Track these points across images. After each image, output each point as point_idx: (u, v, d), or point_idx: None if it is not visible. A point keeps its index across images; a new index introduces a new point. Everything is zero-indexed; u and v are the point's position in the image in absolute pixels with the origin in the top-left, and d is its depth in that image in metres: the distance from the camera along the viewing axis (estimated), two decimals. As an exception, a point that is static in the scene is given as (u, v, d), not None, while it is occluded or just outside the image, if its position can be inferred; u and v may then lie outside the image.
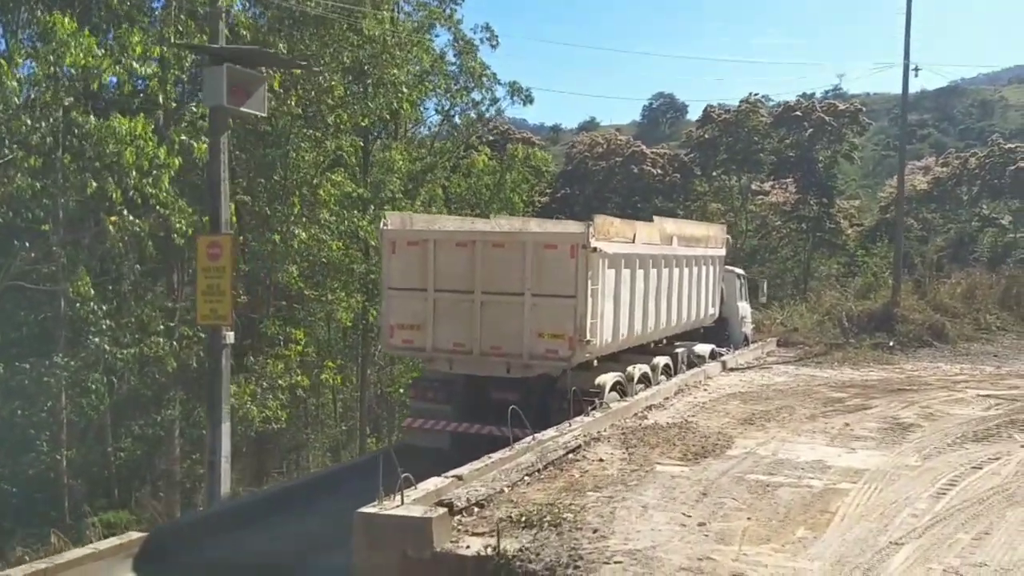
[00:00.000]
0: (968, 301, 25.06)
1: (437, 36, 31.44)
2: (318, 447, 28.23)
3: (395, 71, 25.88)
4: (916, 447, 9.93)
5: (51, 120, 16.77)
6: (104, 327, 18.67)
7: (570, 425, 10.11)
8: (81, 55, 15.36)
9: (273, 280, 24.24)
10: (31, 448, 19.88)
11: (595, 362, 12.08)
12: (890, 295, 23.32)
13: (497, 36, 32.11)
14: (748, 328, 20.97)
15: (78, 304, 18.65)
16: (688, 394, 13.45)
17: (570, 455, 8.97)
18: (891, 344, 20.80)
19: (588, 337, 11.32)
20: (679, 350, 15.92)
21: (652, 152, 46.73)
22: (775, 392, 14.05)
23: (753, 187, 47.18)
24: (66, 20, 15.32)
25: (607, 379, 12.23)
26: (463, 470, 7.72)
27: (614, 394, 12.48)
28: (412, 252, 11.86)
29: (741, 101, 45.52)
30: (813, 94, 54.52)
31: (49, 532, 18.34)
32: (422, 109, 33.02)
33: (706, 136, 45.92)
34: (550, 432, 9.79)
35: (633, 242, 12.93)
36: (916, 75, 23.31)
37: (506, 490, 7.56)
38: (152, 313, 20.83)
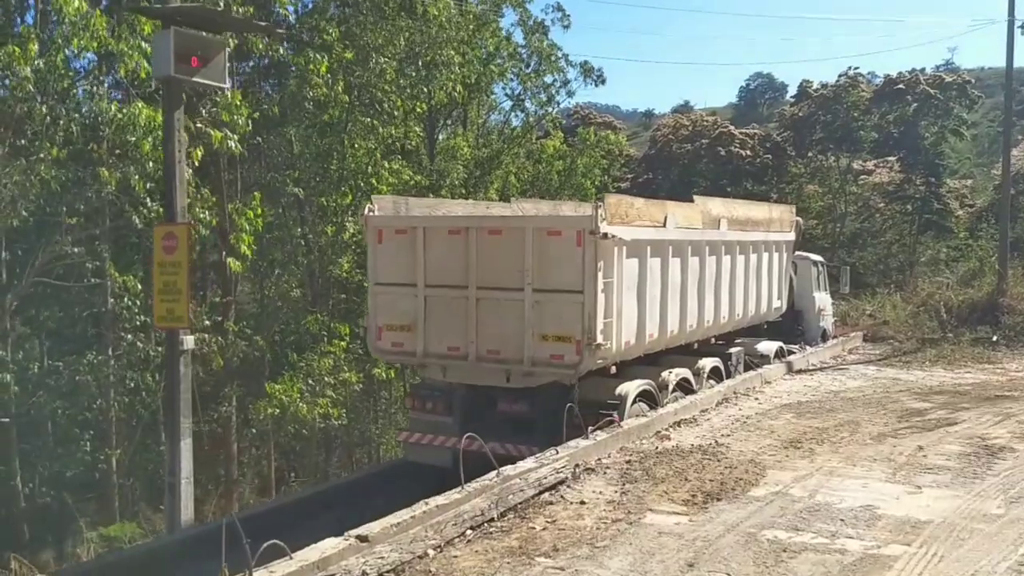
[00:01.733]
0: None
1: (503, 17, 29.68)
2: (388, 441, 26.90)
3: (451, 51, 24.17)
4: (1002, 484, 7.53)
5: (70, 107, 15.80)
6: (138, 323, 17.73)
7: (556, 452, 8.12)
8: (88, 38, 14.23)
9: (324, 272, 22.97)
10: (76, 448, 19.13)
11: (613, 368, 10.03)
12: (996, 283, 20.16)
13: (569, 16, 29.97)
14: (828, 322, 18.34)
15: (112, 300, 17.75)
16: (733, 404, 11.24)
17: (544, 495, 7.01)
18: (994, 339, 17.82)
19: (599, 340, 9.30)
20: (733, 350, 13.64)
21: (741, 133, 43.49)
22: (842, 401, 11.66)
23: (855, 166, 43.40)
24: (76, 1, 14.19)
25: (630, 388, 10.17)
26: (373, 526, 5.85)
27: (642, 405, 10.42)
28: (400, 242, 10.07)
29: (840, 75, 41.86)
30: (923, 69, 49.96)
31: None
32: (491, 95, 31.49)
33: (801, 114, 42.41)
34: (527, 463, 7.84)
35: (664, 226, 10.79)
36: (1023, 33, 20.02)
37: (431, 554, 5.67)
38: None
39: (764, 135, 44.24)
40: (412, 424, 10.97)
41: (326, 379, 20.51)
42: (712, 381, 12.48)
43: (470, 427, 10.47)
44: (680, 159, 43.86)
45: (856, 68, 41.97)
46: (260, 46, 18.58)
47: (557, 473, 7.41)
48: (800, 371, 14.55)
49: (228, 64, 21.40)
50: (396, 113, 24.83)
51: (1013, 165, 47.39)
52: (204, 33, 9.84)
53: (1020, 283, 20.56)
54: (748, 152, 41.68)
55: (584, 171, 30.00)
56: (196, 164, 15.39)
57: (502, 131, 31.80)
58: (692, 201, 12.15)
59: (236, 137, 15.60)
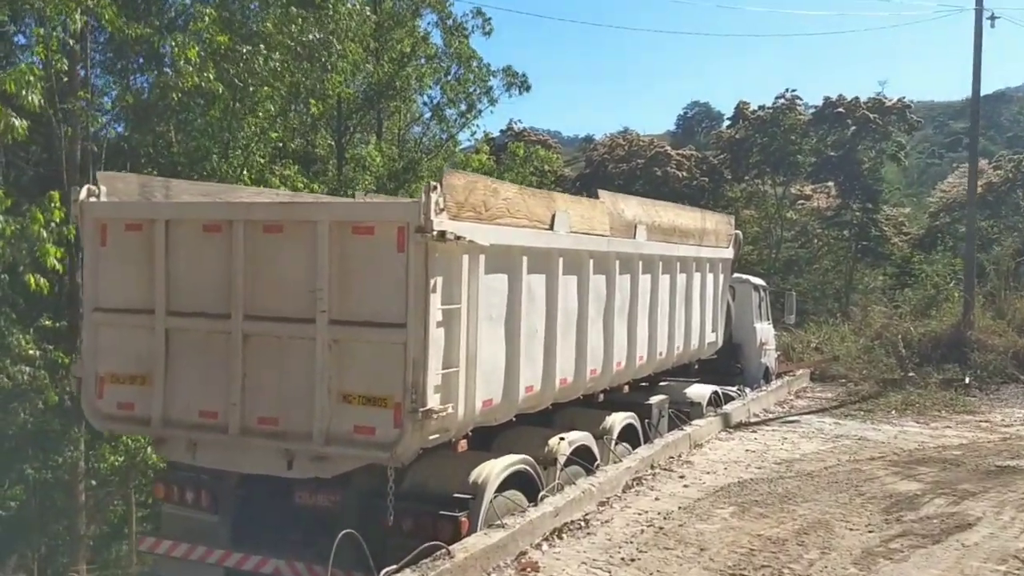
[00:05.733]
0: (1053, 320, 18.53)
1: (421, 17, 26.09)
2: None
3: (353, 46, 20.41)
4: None
5: None
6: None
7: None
8: None
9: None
10: None
11: (463, 442, 6.24)
12: (960, 314, 16.88)
13: (490, 21, 26.39)
14: (771, 358, 14.82)
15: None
16: (649, 489, 7.52)
17: None
18: (966, 380, 14.47)
19: (431, 404, 5.51)
20: (654, 400, 9.96)
21: (677, 154, 40.38)
22: (800, 480, 8.02)
23: (793, 191, 40.71)
24: None
25: (491, 472, 6.37)
26: None
27: (514, 496, 6.63)
28: (133, 243, 6.15)
29: (777, 97, 39.08)
30: (856, 98, 47.62)
31: None
32: (412, 102, 27.85)
33: (738, 136, 39.52)
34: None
35: (551, 228, 7.09)
36: (993, 25, 16.97)
37: None
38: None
39: (701, 157, 41.29)
40: (164, 524, 6.99)
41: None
42: (625, 445, 8.79)
43: (250, 531, 6.63)
44: (616, 179, 40.61)
45: (794, 91, 39.08)
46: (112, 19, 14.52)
47: None
48: (740, 425, 10.95)
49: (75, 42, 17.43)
50: (292, 114, 21.10)
51: (947, 193, 45.65)
52: None
53: (984, 314, 17.38)
54: (684, 174, 38.68)
55: (512, 190, 26.36)
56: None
57: (420, 141, 28.16)
58: (596, 198, 8.50)
59: (26, 124, 11.43)
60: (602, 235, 8.10)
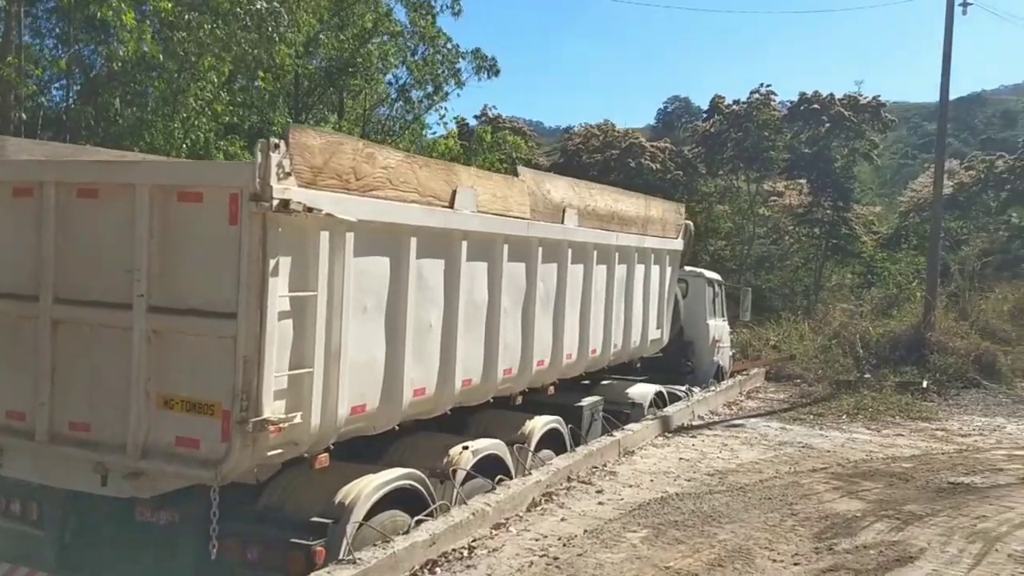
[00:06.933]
0: (1019, 322, 17.72)
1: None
2: None
3: (306, 16, 19.23)
4: None
5: None
6: None
7: None
8: None
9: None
10: None
11: (322, 456, 5.18)
12: (921, 314, 15.97)
13: (459, 1, 25.13)
14: (724, 356, 13.86)
15: None
16: (558, 507, 6.51)
17: None
18: (924, 385, 13.57)
19: (266, 413, 4.45)
20: (587, 402, 8.97)
21: (652, 146, 39.26)
22: (729, 497, 7.04)
23: (766, 187, 39.89)
24: None
25: (362, 491, 5.30)
26: None
27: (399, 517, 5.58)
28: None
29: (751, 92, 38.10)
30: (831, 95, 46.83)
31: None
32: (378, 82, 26.63)
33: (712, 129, 38.53)
34: None
35: (451, 206, 6.04)
36: (965, 12, 15.98)
37: None
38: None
39: (675, 150, 40.29)
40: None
41: None
42: (549, 453, 7.78)
43: (79, 551, 5.56)
44: (590, 169, 39.54)
45: (768, 86, 38.09)
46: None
47: None
48: (681, 429, 9.98)
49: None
50: (239, 87, 19.93)
51: (918, 192, 44.97)
52: None
53: (946, 315, 16.50)
54: (658, 166, 37.65)
55: (477, 175, 25.24)
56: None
57: (383, 123, 26.97)
58: (516, 176, 7.46)
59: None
60: (520, 218, 7.07)
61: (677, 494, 7.01)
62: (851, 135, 38.02)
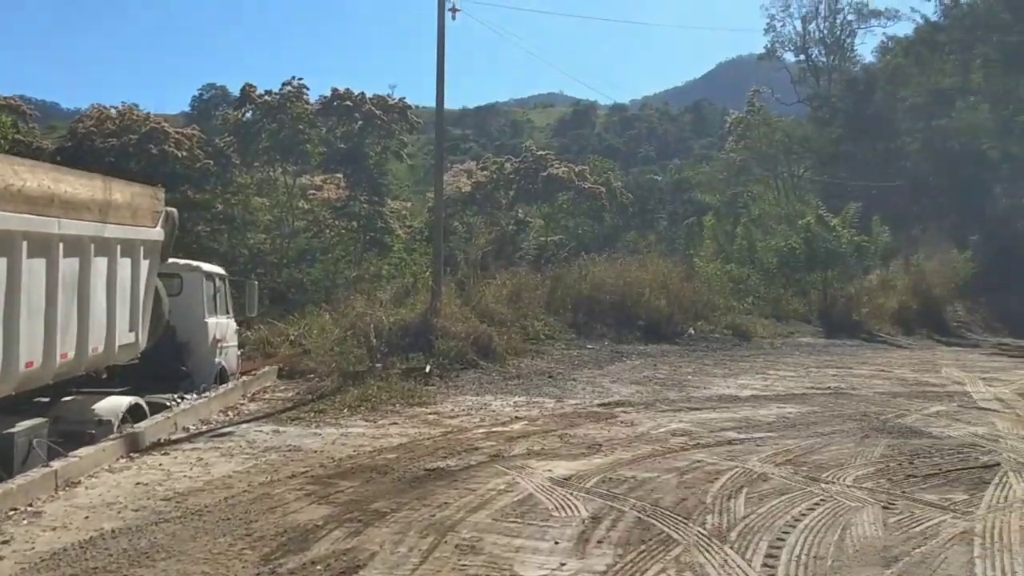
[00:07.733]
0: (515, 305, 19.69)
1: None
2: None
3: None
4: None
5: None
6: None
7: None
8: None
9: None
10: None
11: None
12: (429, 301, 16.75)
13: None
14: (230, 356, 12.82)
15: None
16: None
17: None
18: (427, 369, 14.11)
19: None
20: (19, 428, 7.26)
21: (177, 132, 36.32)
22: (180, 525, 6.04)
23: (304, 180, 39.63)
24: None
25: None
26: None
27: None
28: None
29: (284, 84, 37.41)
30: (363, 94, 48.40)
31: None
32: None
33: (244, 119, 37.00)
34: None
35: None
36: (454, 18, 17.08)
37: None
38: None
39: (205, 138, 37.85)
40: None
41: None
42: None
43: None
44: (106, 156, 35.16)
45: (300, 79, 37.82)
46: None
47: None
48: (157, 444, 8.71)
49: None
50: None
51: (445, 189, 48.84)
52: None
53: (453, 301, 17.56)
54: (185, 153, 34.94)
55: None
56: None
57: None
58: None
59: None
60: None
61: (113, 531, 5.82)
62: (383, 133, 39.62)
